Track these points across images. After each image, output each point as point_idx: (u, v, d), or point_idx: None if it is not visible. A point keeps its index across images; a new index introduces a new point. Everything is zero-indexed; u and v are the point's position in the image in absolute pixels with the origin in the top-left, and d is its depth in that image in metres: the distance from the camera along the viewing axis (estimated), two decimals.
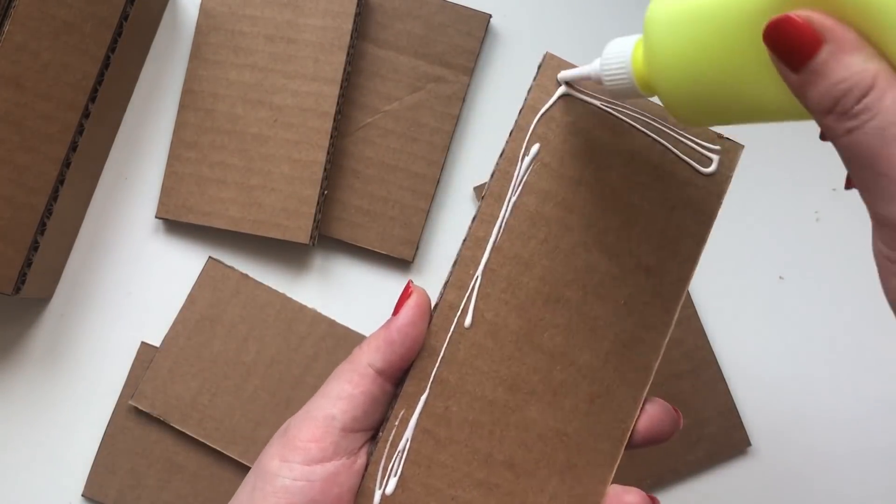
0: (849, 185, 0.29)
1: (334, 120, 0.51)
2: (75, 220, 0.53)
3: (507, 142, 0.34)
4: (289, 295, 0.51)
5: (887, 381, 0.53)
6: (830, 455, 0.53)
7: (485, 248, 0.34)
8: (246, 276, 0.51)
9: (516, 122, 0.34)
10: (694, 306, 0.52)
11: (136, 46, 0.53)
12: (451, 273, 0.34)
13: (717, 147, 0.35)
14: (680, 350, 0.52)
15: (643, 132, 0.35)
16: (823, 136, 0.27)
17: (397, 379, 0.34)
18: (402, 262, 0.53)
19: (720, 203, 0.35)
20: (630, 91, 0.30)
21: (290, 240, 0.50)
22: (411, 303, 0.33)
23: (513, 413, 0.34)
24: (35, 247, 0.48)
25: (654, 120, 0.35)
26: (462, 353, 0.34)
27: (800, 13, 0.24)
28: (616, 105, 0.34)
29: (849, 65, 0.23)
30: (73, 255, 0.53)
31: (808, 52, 0.24)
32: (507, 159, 0.34)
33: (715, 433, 0.52)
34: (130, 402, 0.50)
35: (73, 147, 0.49)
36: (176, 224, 0.53)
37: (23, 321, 0.52)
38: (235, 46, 0.52)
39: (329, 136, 0.50)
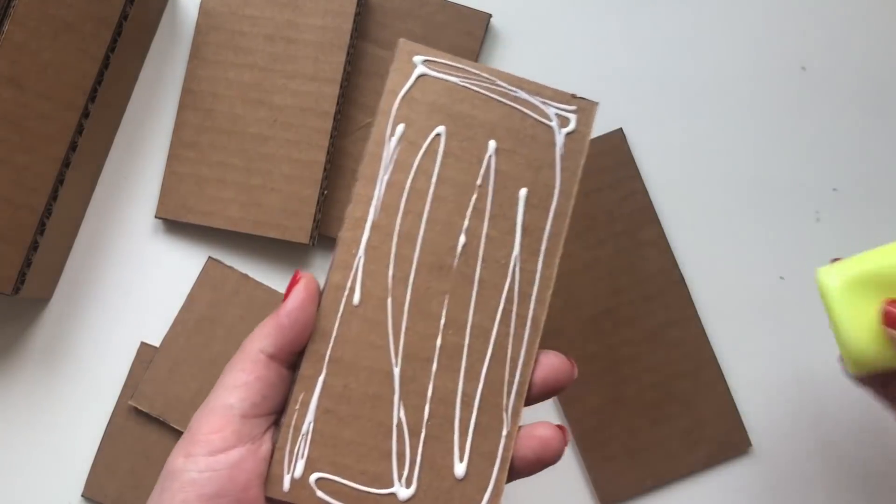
0: None
1: (334, 120, 0.51)
2: (75, 220, 0.53)
3: (373, 126, 0.36)
4: None
5: None
6: (831, 455, 0.53)
7: (364, 228, 0.35)
8: (246, 276, 0.51)
9: (379, 106, 0.36)
10: (694, 306, 0.52)
11: (136, 46, 0.53)
12: (333, 255, 0.35)
13: (573, 107, 0.37)
14: (680, 350, 0.52)
15: (501, 101, 0.36)
16: None
17: (291, 362, 0.34)
18: None
19: (583, 157, 0.37)
20: None
21: (290, 240, 0.50)
22: (299, 287, 0.34)
23: (411, 381, 0.35)
24: (35, 247, 0.48)
25: (510, 89, 0.37)
26: (354, 331, 0.34)
27: None
28: (471, 79, 0.36)
29: None
30: (73, 256, 0.53)
31: None
32: (375, 142, 0.35)
33: (715, 433, 0.52)
34: (130, 402, 0.50)
35: (73, 147, 0.49)
36: (176, 224, 0.53)
37: (23, 321, 0.52)
38: (235, 46, 0.52)
39: (329, 136, 0.50)
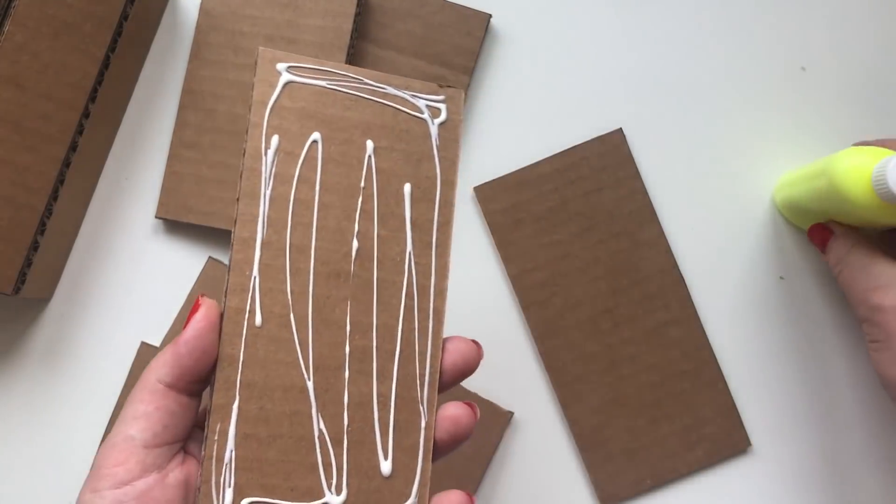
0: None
1: None
2: (75, 220, 0.53)
3: (245, 140, 0.35)
4: None
5: None
6: (830, 454, 0.53)
7: (254, 248, 0.34)
8: None
9: (249, 119, 0.35)
10: (693, 306, 0.53)
11: (136, 46, 0.53)
12: (227, 279, 0.34)
13: (442, 97, 0.37)
14: (680, 350, 0.52)
15: (372, 100, 0.36)
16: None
17: (193, 390, 0.34)
18: None
19: (459, 145, 0.37)
20: None
21: None
22: (198, 316, 0.33)
23: (326, 392, 0.35)
24: (35, 247, 0.48)
25: (378, 87, 0.37)
26: (261, 352, 0.34)
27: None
28: (339, 81, 0.36)
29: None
30: (73, 255, 0.53)
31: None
32: (251, 156, 0.35)
33: (715, 433, 0.52)
34: None
35: (73, 147, 0.49)
36: (176, 224, 0.53)
37: (23, 321, 0.52)
38: (236, 46, 0.52)
39: None
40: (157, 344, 0.52)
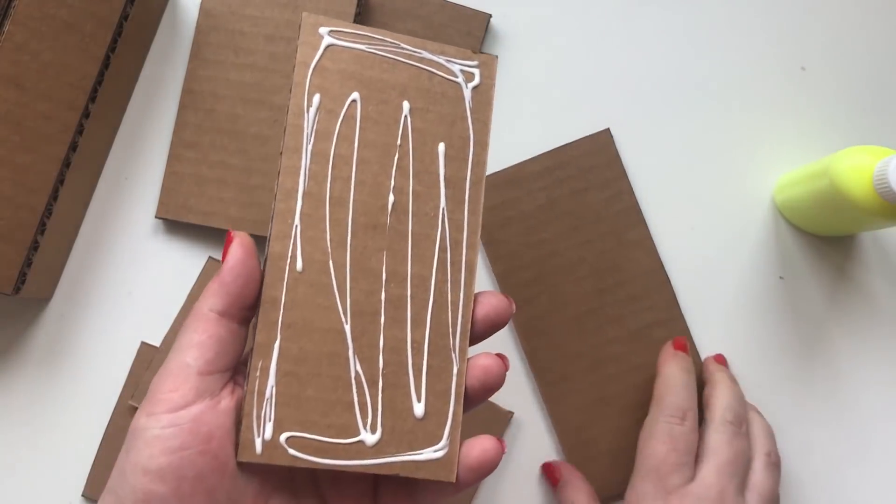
0: None
1: None
2: (75, 220, 0.53)
3: (288, 99, 0.37)
4: None
5: (888, 382, 0.53)
6: (828, 455, 0.53)
7: (296, 197, 0.36)
8: None
9: (293, 79, 0.37)
10: (679, 307, 0.53)
11: (136, 46, 0.53)
12: (270, 227, 0.36)
13: (476, 62, 0.39)
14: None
15: (409, 64, 0.38)
16: None
17: (242, 317, 0.36)
18: None
19: (491, 108, 0.39)
20: None
21: None
22: (235, 244, 0.35)
23: (363, 336, 0.36)
24: (35, 247, 0.48)
25: (415, 51, 0.38)
26: (301, 296, 0.36)
27: None
28: (378, 45, 0.38)
29: None
30: (73, 255, 0.53)
31: None
32: (294, 113, 0.36)
33: None
34: (130, 402, 0.50)
35: (73, 147, 0.49)
36: (176, 224, 0.53)
37: (23, 321, 0.52)
38: (236, 46, 0.52)
39: None
40: (157, 344, 0.52)
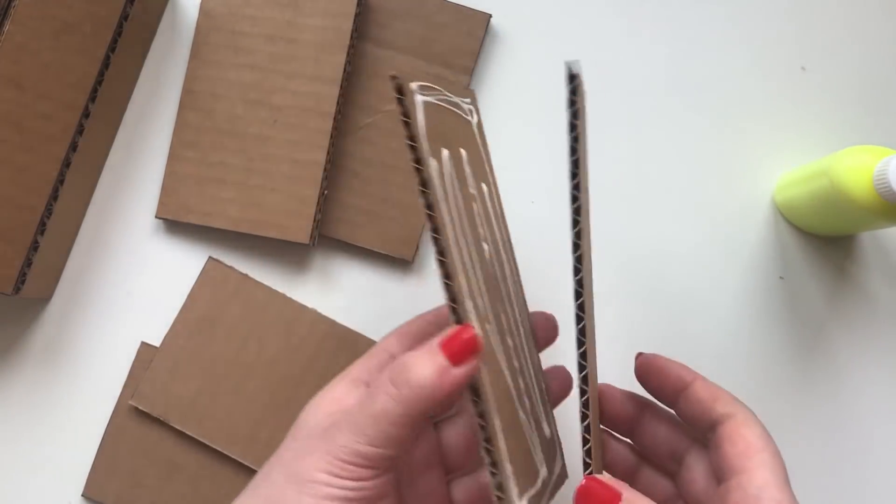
0: None
1: (334, 120, 0.51)
2: (75, 220, 0.53)
3: (417, 166, 0.32)
4: (289, 295, 0.51)
5: (888, 382, 0.53)
6: (826, 454, 0.53)
7: (460, 279, 0.32)
8: (246, 276, 0.51)
9: (420, 146, 0.32)
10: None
11: (136, 46, 0.53)
12: (478, 324, 0.33)
13: (469, 99, 0.40)
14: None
15: (451, 110, 0.37)
16: None
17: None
18: (401, 261, 0.53)
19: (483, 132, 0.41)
20: None
21: (290, 240, 0.50)
22: (473, 363, 0.32)
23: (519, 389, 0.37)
24: (35, 247, 0.48)
25: (447, 96, 0.37)
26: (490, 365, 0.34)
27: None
28: (433, 93, 0.35)
29: None
30: (73, 255, 0.53)
31: None
32: (425, 183, 0.32)
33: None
34: (130, 402, 0.50)
35: (74, 147, 0.49)
36: (176, 224, 0.53)
37: (23, 321, 0.52)
38: (235, 47, 0.52)
39: (329, 137, 0.50)
40: (157, 344, 0.52)
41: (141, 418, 0.50)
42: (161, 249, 0.53)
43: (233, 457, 0.49)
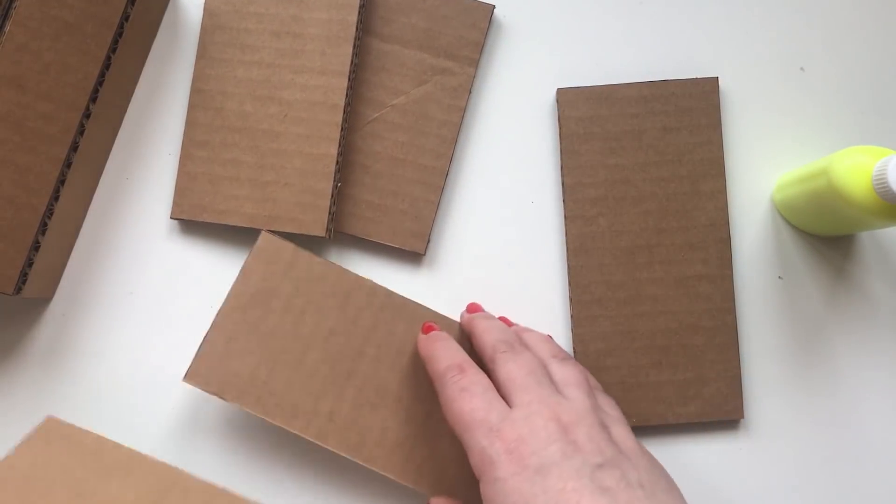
0: None
1: (344, 112, 0.51)
2: (77, 220, 0.52)
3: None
4: None
5: (888, 382, 0.53)
6: (821, 450, 0.53)
7: None
8: (300, 248, 0.49)
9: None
10: (732, 268, 0.53)
11: (137, 47, 0.52)
12: None
13: None
14: (704, 305, 0.52)
15: None
16: None
17: None
18: (414, 254, 0.53)
19: None
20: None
21: (307, 233, 0.50)
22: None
23: None
24: (36, 247, 0.47)
25: None
26: None
27: None
28: None
29: None
30: (75, 256, 0.52)
31: None
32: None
33: (712, 394, 0.52)
34: (183, 381, 0.48)
35: (75, 147, 0.48)
36: (176, 223, 0.53)
37: (23, 321, 0.52)
38: (242, 44, 0.51)
39: (340, 129, 0.50)
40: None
41: None
42: (161, 249, 0.53)
43: (293, 431, 0.48)
